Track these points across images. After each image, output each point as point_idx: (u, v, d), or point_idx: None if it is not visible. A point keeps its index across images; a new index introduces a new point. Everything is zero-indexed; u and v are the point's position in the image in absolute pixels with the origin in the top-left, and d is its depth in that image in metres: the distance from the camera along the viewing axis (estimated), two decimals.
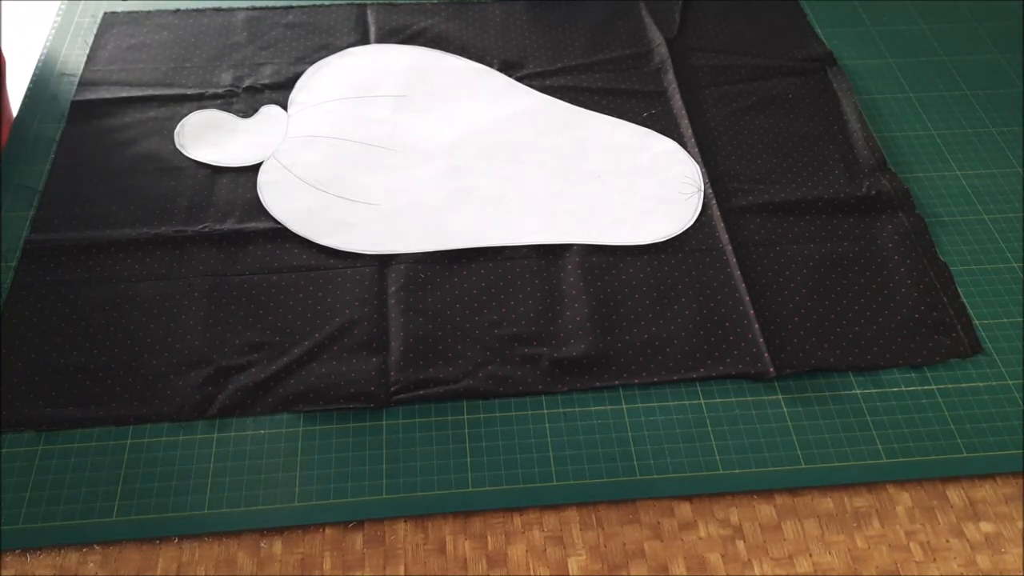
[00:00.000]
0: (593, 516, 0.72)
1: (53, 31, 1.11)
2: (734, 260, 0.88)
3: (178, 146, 0.96)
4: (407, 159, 0.97)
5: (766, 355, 0.80)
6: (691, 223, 0.91)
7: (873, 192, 0.94)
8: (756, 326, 0.82)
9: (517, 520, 0.71)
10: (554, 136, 1.00)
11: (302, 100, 1.03)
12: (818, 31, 1.16)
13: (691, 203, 0.93)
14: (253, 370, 0.79)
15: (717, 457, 0.75)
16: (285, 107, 1.02)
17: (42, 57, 1.07)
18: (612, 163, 0.97)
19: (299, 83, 1.05)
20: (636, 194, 0.94)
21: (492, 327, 0.82)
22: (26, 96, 1.02)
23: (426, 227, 0.90)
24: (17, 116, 1.00)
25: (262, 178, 0.94)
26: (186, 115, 1.00)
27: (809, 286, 0.86)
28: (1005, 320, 0.85)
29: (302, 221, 0.89)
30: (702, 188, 0.94)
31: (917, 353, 0.82)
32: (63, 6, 1.15)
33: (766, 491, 0.73)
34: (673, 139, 1.00)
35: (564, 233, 0.90)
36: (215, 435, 0.75)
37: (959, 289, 0.87)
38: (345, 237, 0.88)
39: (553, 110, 1.03)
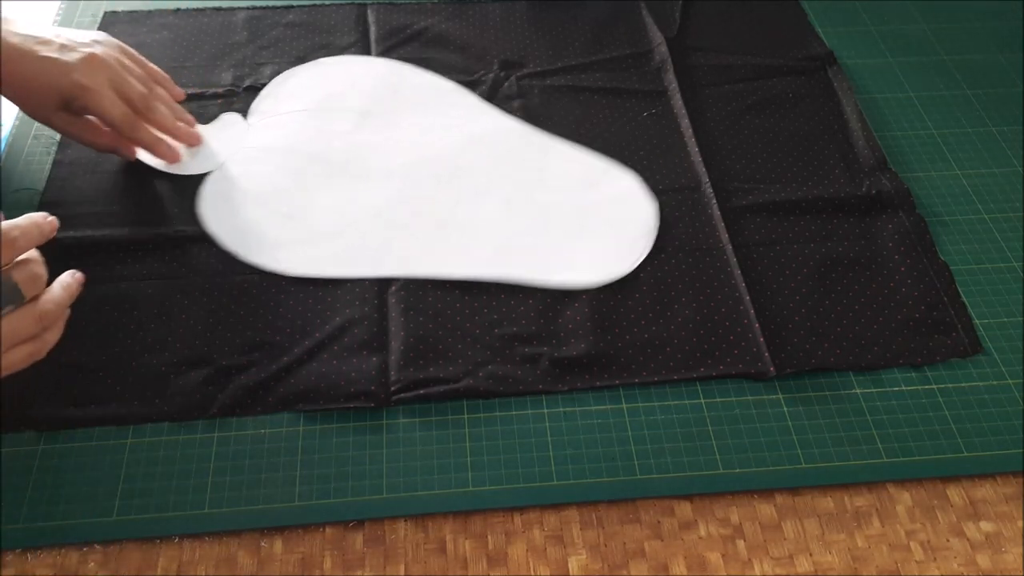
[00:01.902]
0: (593, 515, 0.72)
1: None
2: (734, 260, 0.88)
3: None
4: (358, 177, 0.95)
5: (766, 354, 0.80)
6: (635, 266, 0.88)
7: (873, 192, 0.95)
8: (756, 326, 0.82)
9: (517, 519, 0.71)
10: (513, 164, 0.98)
11: (264, 109, 1.02)
12: (818, 30, 1.17)
13: (637, 247, 0.90)
14: (253, 370, 0.79)
15: (717, 457, 0.75)
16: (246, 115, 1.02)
17: None
18: (567, 197, 0.95)
19: (264, 91, 1.04)
20: (586, 232, 0.92)
21: (492, 326, 0.83)
22: None
23: (364, 250, 0.88)
24: (16, 116, 0.99)
25: (206, 188, 0.93)
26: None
27: (809, 286, 0.86)
28: (1005, 320, 0.85)
29: (234, 237, 0.88)
30: (652, 231, 0.92)
31: (917, 353, 0.82)
32: (63, 6, 1.15)
33: (766, 491, 0.73)
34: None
35: (509, 267, 0.87)
36: (215, 435, 0.75)
37: (959, 289, 0.87)
38: (277, 254, 0.87)
39: (519, 135, 1.01)
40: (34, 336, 0.69)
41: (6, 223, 0.67)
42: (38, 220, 0.69)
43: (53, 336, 0.71)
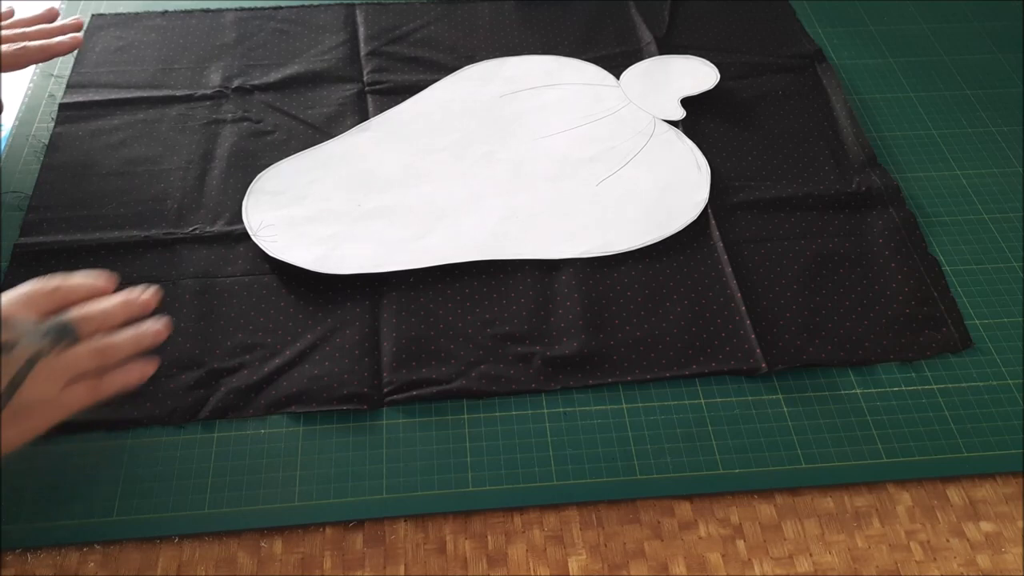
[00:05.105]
0: (593, 516, 0.73)
1: None
2: (725, 257, 0.90)
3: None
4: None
5: (758, 351, 0.83)
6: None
7: (863, 188, 0.98)
8: (748, 322, 0.85)
9: (517, 520, 0.73)
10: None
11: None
12: (807, 29, 1.20)
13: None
14: (244, 372, 0.81)
15: (717, 457, 0.77)
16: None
17: None
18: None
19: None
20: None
21: (485, 326, 0.85)
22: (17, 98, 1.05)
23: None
24: (4, 119, 1.02)
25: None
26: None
27: (800, 282, 0.89)
28: (1005, 319, 0.87)
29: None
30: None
31: (908, 348, 0.84)
32: (63, 6, 1.19)
33: (766, 491, 0.75)
34: None
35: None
36: (215, 435, 0.77)
37: (959, 288, 0.89)
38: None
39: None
40: (93, 374, 0.69)
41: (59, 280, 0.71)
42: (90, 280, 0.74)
43: (121, 377, 0.71)
